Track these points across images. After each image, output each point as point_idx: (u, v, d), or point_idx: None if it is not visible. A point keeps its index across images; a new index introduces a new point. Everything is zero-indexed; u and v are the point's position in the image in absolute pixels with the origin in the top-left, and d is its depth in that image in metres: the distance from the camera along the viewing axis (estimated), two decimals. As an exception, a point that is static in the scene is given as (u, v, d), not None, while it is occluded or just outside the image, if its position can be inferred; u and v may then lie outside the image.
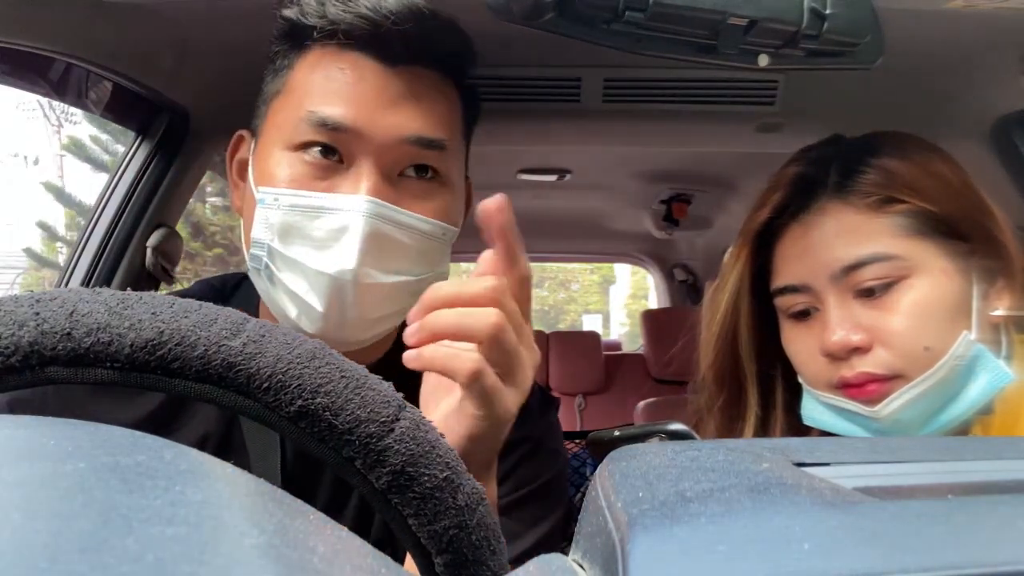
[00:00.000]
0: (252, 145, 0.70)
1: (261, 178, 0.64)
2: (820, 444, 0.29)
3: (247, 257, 0.66)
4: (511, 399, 0.51)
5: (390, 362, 0.66)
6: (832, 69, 0.62)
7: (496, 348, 0.48)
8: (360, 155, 0.62)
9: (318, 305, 0.61)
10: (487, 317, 0.47)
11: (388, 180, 0.63)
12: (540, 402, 0.77)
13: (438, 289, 0.49)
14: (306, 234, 0.61)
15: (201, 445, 0.67)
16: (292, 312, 0.63)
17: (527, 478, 0.71)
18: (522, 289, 0.51)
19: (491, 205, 0.49)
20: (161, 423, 0.67)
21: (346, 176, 0.62)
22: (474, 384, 0.48)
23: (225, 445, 0.68)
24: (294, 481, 0.68)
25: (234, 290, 0.78)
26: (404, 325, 0.75)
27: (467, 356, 0.47)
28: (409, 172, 0.65)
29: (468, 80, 0.72)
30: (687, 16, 0.55)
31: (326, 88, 0.63)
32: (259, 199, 0.63)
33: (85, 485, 0.19)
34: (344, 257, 0.60)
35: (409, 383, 0.58)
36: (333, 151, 0.63)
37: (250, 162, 0.68)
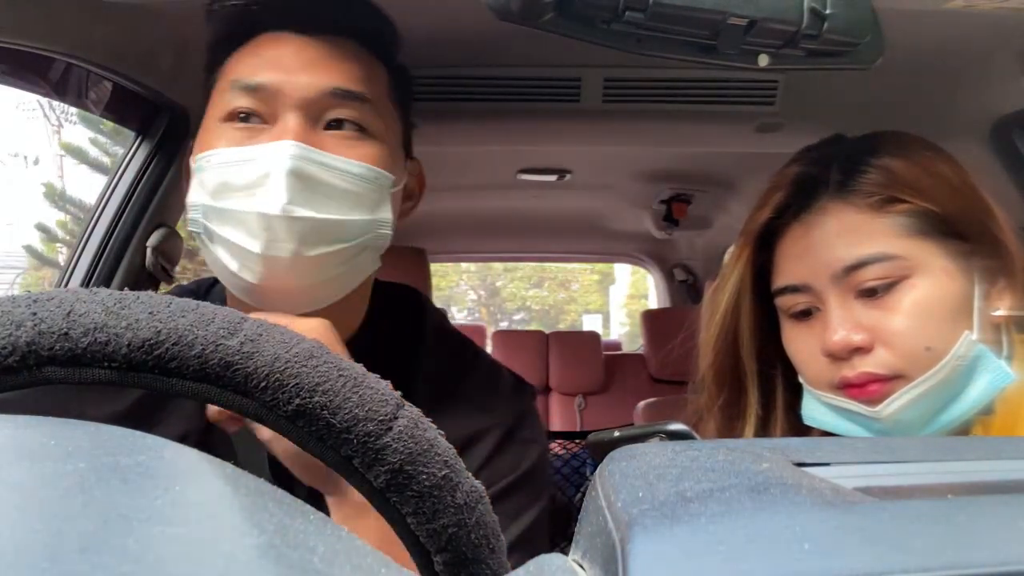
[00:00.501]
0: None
1: (198, 152, 0.68)
2: (820, 444, 0.29)
3: (188, 225, 0.69)
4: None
5: (364, 345, 0.67)
6: (832, 69, 0.62)
7: None
8: (283, 112, 0.65)
9: (254, 247, 0.63)
10: None
11: (313, 131, 0.66)
12: (512, 389, 0.78)
13: None
14: (236, 185, 0.64)
15: (182, 441, 0.67)
16: (233, 265, 0.65)
17: (503, 470, 0.71)
18: None
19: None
20: (140, 419, 0.67)
21: (271, 132, 0.65)
22: None
23: (206, 440, 0.68)
24: (278, 473, 0.68)
25: (207, 292, 0.80)
26: (373, 305, 0.76)
27: None
28: (333, 124, 0.67)
29: (394, 60, 0.75)
30: (687, 16, 0.55)
31: (249, 62, 0.68)
32: (196, 167, 0.67)
33: (85, 485, 0.19)
34: (271, 194, 0.62)
35: (392, 366, 0.59)
36: (258, 114, 0.66)
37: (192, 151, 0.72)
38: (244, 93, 0.66)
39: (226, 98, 0.67)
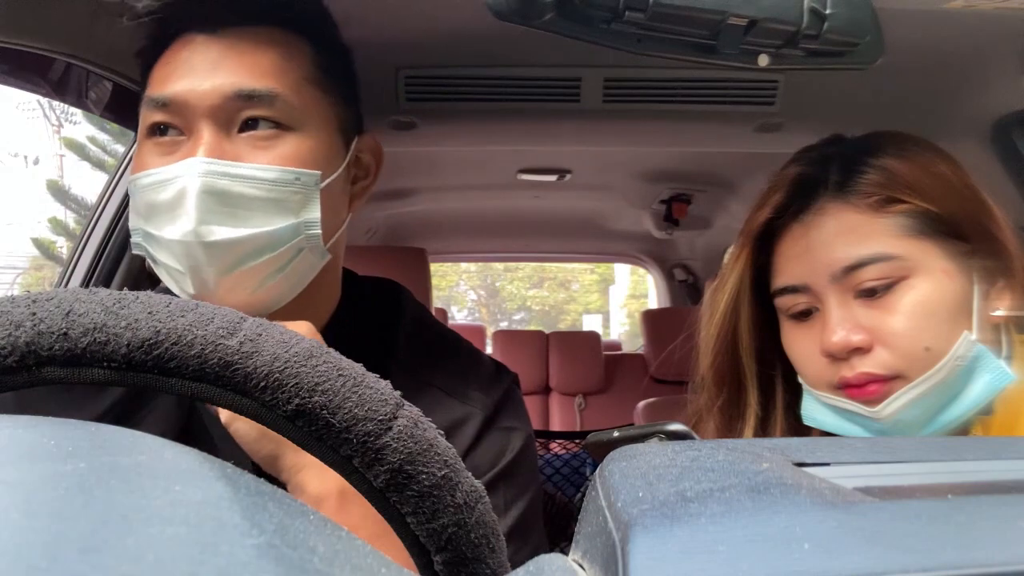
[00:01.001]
0: None
1: (131, 172, 0.67)
2: (820, 444, 0.29)
3: (133, 248, 0.69)
4: None
5: (332, 339, 0.66)
6: (832, 69, 0.62)
7: None
8: (194, 122, 0.64)
9: (184, 272, 0.63)
10: None
11: (227, 139, 0.64)
12: (492, 375, 0.77)
13: None
14: (160, 208, 0.63)
15: (161, 437, 0.67)
16: (174, 287, 0.66)
17: (486, 460, 0.70)
18: None
19: None
20: (121, 416, 0.67)
21: (186, 146, 0.64)
22: None
23: (186, 436, 0.68)
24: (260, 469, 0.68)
25: None
26: (346, 290, 0.77)
27: None
28: (248, 124, 0.65)
29: (319, 34, 0.72)
30: (687, 16, 0.55)
31: (161, 73, 0.66)
32: (130, 190, 0.67)
33: (85, 485, 0.19)
34: (184, 220, 0.61)
35: (363, 357, 0.60)
36: (174, 127, 0.65)
37: None
38: (158, 108, 0.65)
39: (144, 115, 0.66)
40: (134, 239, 0.67)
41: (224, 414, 0.57)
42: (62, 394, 0.67)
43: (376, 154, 0.77)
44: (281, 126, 0.65)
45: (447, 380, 0.73)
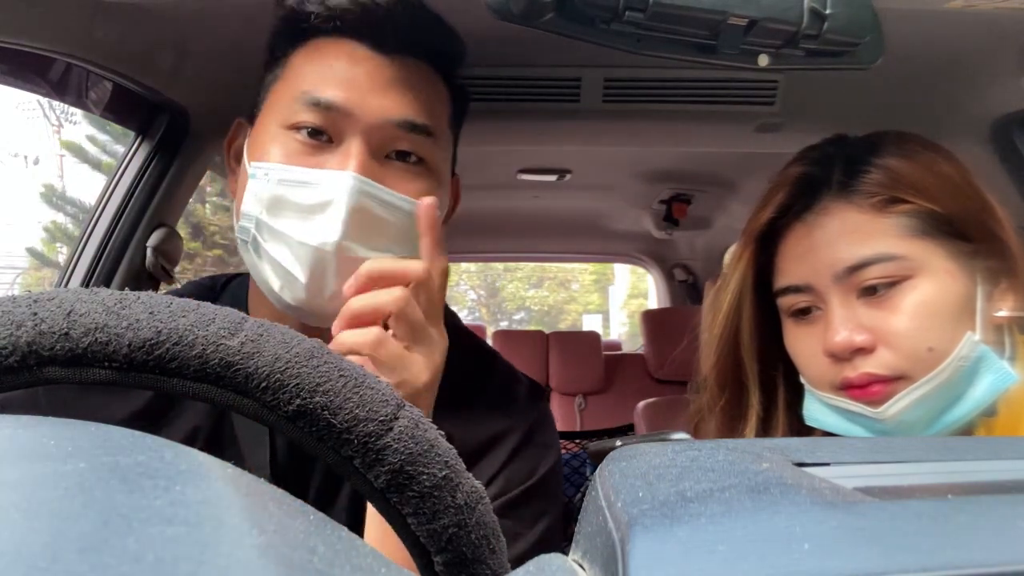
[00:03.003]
0: (249, 130, 0.72)
1: (254, 155, 0.66)
2: (820, 444, 0.29)
3: (236, 230, 0.67)
4: (419, 366, 0.59)
5: None
6: (832, 69, 0.62)
7: (402, 320, 0.58)
8: (349, 135, 0.64)
9: (301, 276, 0.63)
10: (393, 293, 0.57)
11: (375, 160, 0.65)
12: (528, 393, 0.78)
13: (370, 264, 0.59)
14: (293, 207, 0.63)
15: (191, 439, 0.68)
16: (275, 284, 0.65)
17: (521, 474, 0.71)
18: (440, 277, 0.61)
19: (425, 202, 0.61)
20: (152, 418, 0.68)
21: (334, 154, 0.64)
22: (381, 347, 0.57)
23: (216, 439, 0.69)
24: (286, 474, 0.68)
25: (223, 288, 0.79)
26: None
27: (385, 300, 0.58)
28: (395, 155, 0.66)
29: (458, 79, 0.74)
30: (687, 16, 0.55)
31: (321, 72, 0.66)
32: (251, 174, 0.65)
33: (85, 485, 0.19)
34: (328, 229, 0.62)
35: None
36: (324, 131, 0.65)
37: (245, 144, 0.70)
38: (313, 108, 0.64)
39: (293, 107, 0.65)
40: (243, 223, 0.65)
41: None
42: (91, 394, 0.67)
43: (456, 196, 0.79)
44: (423, 162, 0.68)
45: (490, 396, 0.74)
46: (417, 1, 0.66)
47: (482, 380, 0.76)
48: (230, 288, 0.79)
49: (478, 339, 0.82)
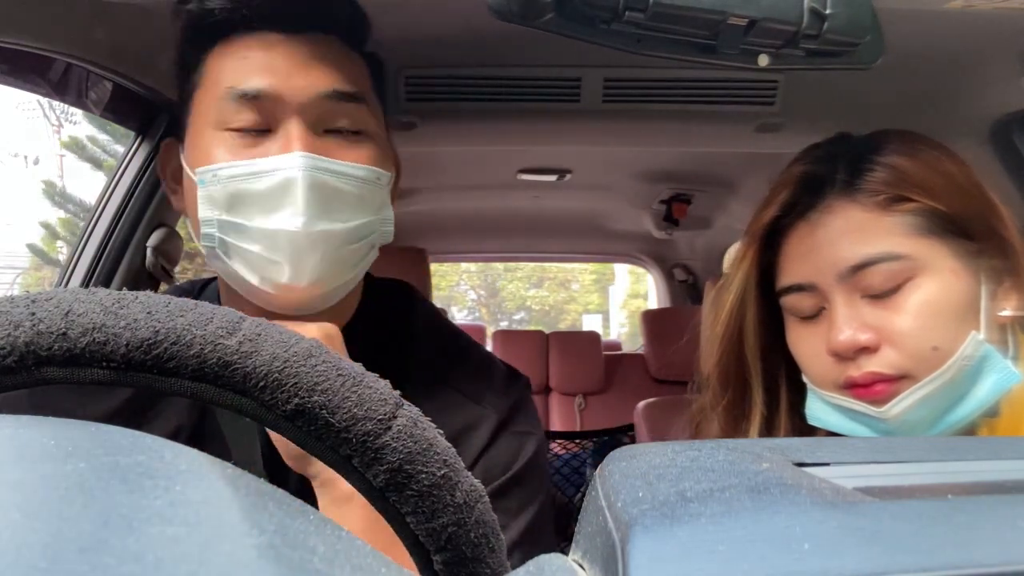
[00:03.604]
0: (182, 147, 0.71)
1: (196, 162, 0.67)
2: (821, 444, 0.29)
3: (199, 240, 0.67)
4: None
5: (353, 337, 0.68)
6: (832, 69, 0.62)
7: None
8: (284, 118, 0.65)
9: (282, 263, 0.63)
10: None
11: (315, 136, 0.66)
12: (504, 379, 0.78)
13: None
14: (252, 199, 0.63)
15: (174, 437, 0.67)
16: (254, 279, 0.65)
17: (501, 464, 0.70)
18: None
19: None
20: (133, 415, 0.68)
21: (275, 140, 0.65)
22: None
23: (199, 436, 0.69)
24: (273, 469, 0.68)
25: (201, 292, 0.79)
26: (364, 298, 0.77)
27: None
28: (332, 128, 0.67)
29: (368, 49, 0.75)
30: (687, 16, 0.55)
31: (239, 66, 0.66)
32: (199, 181, 0.65)
33: (85, 485, 0.19)
34: (294, 212, 0.62)
35: (382, 357, 0.60)
36: (258, 120, 0.65)
37: (183, 159, 0.70)
38: (241, 100, 0.65)
39: (221, 106, 0.66)
40: (205, 230, 0.66)
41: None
42: (74, 392, 0.68)
43: (396, 162, 0.81)
44: (360, 131, 0.69)
45: (463, 382, 0.74)
46: None
47: (455, 368, 0.75)
48: (207, 292, 0.79)
49: (455, 328, 0.82)
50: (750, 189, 1.89)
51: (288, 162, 0.63)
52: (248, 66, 0.66)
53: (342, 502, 0.56)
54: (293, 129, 0.64)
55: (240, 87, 0.65)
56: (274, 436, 0.56)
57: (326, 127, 0.67)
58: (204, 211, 0.65)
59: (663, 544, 0.19)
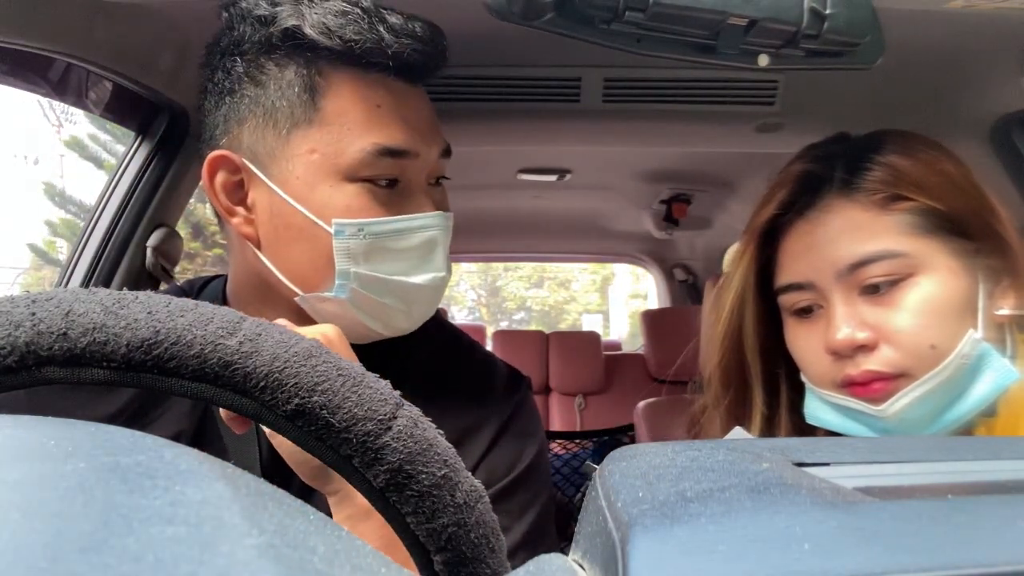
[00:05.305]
0: (255, 169, 0.66)
1: (324, 209, 0.64)
2: (820, 444, 0.29)
3: (335, 291, 0.66)
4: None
5: (387, 347, 0.70)
6: (832, 69, 0.62)
7: None
8: (414, 176, 0.69)
9: (409, 311, 0.69)
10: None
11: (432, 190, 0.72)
12: (507, 382, 0.78)
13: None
14: (393, 255, 0.67)
15: (174, 440, 0.67)
16: (376, 326, 0.69)
17: (503, 466, 0.71)
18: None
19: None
20: (132, 419, 0.68)
21: (406, 195, 0.68)
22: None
23: (199, 438, 0.69)
24: (272, 471, 0.68)
25: (200, 292, 0.79)
26: None
27: None
28: (433, 180, 0.72)
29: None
30: (687, 16, 0.55)
31: (377, 118, 0.66)
32: (336, 231, 0.64)
33: (85, 485, 0.19)
34: (436, 268, 0.69)
35: (385, 358, 0.59)
36: (393, 174, 0.67)
37: (270, 188, 0.66)
38: (386, 159, 0.65)
39: (362, 159, 0.64)
40: (341, 281, 0.65)
41: (267, 432, 0.58)
42: (74, 393, 0.67)
43: None
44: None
45: (464, 384, 0.74)
46: (439, 30, 0.68)
47: (457, 370, 0.76)
48: (206, 292, 0.79)
49: (458, 331, 0.83)
50: (750, 189, 1.89)
51: (432, 221, 0.68)
52: (388, 120, 0.66)
53: (359, 519, 0.56)
54: (426, 187, 0.70)
55: (387, 144, 0.65)
56: (286, 452, 0.55)
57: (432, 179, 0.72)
58: (340, 263, 0.65)
59: (663, 544, 0.19)
